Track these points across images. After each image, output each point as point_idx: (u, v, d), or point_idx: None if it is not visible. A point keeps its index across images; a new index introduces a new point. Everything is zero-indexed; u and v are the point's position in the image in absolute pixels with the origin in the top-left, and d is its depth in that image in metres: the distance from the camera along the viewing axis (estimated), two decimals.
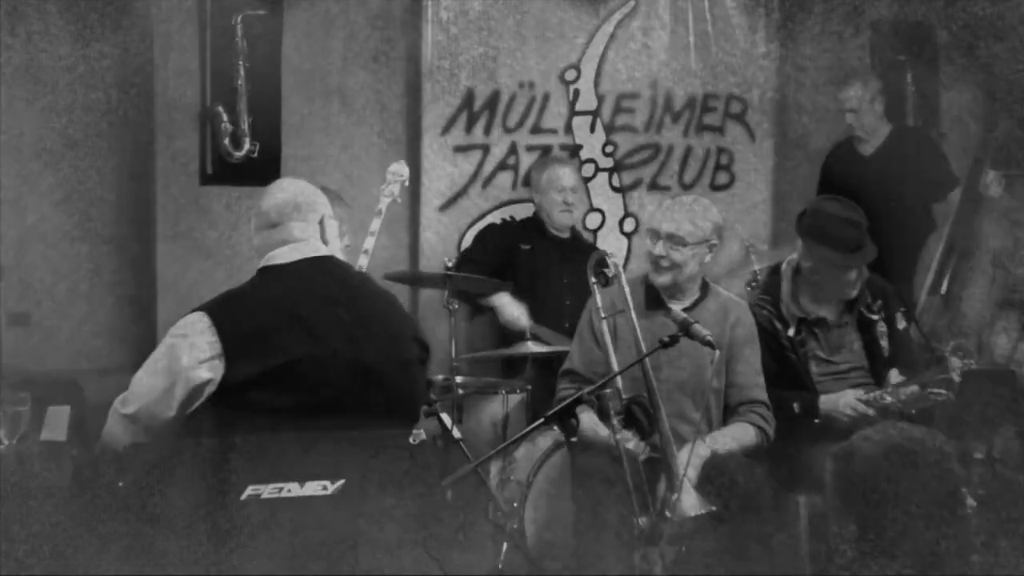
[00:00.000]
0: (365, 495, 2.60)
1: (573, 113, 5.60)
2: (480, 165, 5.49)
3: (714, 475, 3.63)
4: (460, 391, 4.61)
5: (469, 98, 5.44)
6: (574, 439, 3.79)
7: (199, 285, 4.90)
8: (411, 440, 2.88)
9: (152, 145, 5.11)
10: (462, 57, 5.40)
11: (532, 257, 5.22)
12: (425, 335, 3.03)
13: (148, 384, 2.72)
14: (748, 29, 5.67)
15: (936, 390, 3.85)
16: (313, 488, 2.57)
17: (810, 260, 4.07)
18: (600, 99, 5.63)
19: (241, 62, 5.08)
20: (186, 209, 5.15)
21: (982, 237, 5.48)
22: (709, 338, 3.28)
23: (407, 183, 4.33)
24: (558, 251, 5.25)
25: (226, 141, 5.09)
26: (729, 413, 3.92)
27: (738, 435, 3.83)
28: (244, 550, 2.48)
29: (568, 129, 5.61)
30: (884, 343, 4.13)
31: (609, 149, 5.67)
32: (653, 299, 3.94)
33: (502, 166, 5.52)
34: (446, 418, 4.08)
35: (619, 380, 3.55)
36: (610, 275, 3.88)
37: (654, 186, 5.71)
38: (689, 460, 3.49)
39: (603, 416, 3.60)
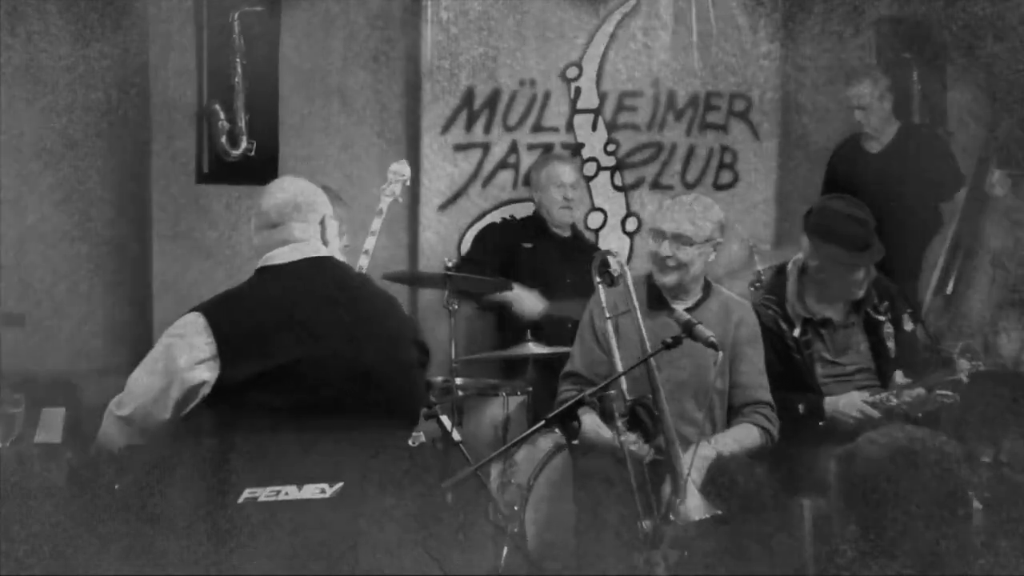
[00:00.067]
0: (365, 495, 2.59)
1: (575, 111, 5.58)
2: (480, 164, 5.47)
3: (715, 475, 3.61)
4: (460, 393, 4.57)
5: (469, 96, 5.42)
6: (575, 441, 3.78)
7: (199, 285, 4.89)
8: (410, 443, 2.88)
9: (151, 145, 5.11)
10: (462, 57, 5.39)
11: (534, 256, 5.20)
12: (425, 338, 3.01)
13: (144, 385, 2.71)
14: (749, 29, 5.66)
15: (943, 392, 3.82)
16: (311, 491, 2.56)
17: (817, 259, 4.03)
18: (602, 97, 5.60)
19: (238, 59, 5.04)
20: (186, 209, 5.15)
21: (985, 237, 5.46)
22: (712, 339, 3.25)
23: (408, 183, 4.31)
24: (559, 250, 5.23)
25: (223, 139, 5.06)
26: (733, 414, 3.90)
27: (742, 436, 3.81)
28: (244, 550, 2.48)
29: (569, 127, 5.59)
30: (891, 344, 4.09)
31: (611, 148, 5.64)
32: (655, 299, 3.91)
33: (503, 165, 5.50)
34: (446, 420, 4.06)
35: (623, 381, 3.53)
36: (615, 275, 3.85)
37: (656, 185, 5.68)
38: (692, 462, 3.45)
39: (607, 418, 3.57)
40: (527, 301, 5.01)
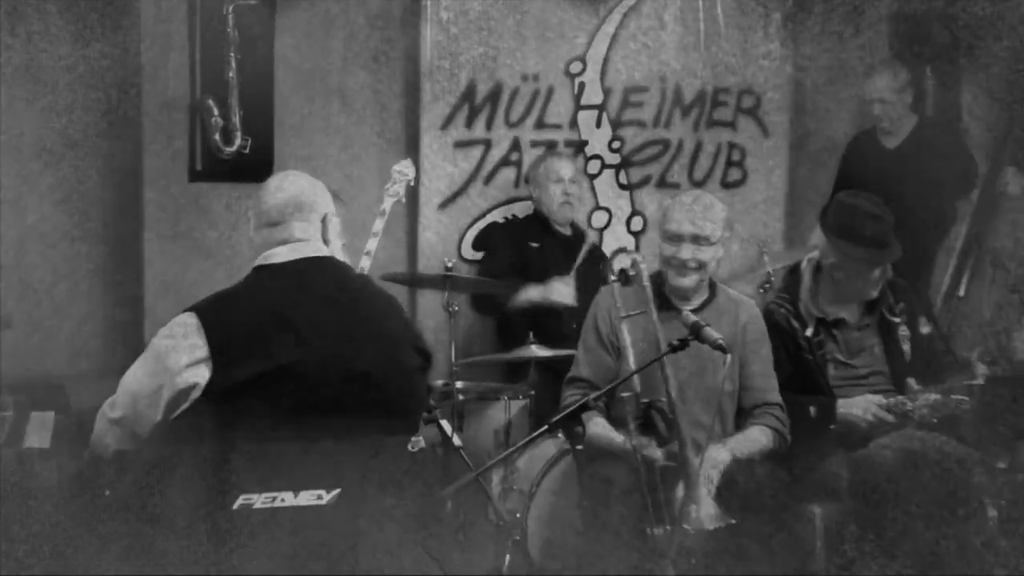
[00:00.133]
0: (365, 495, 2.59)
1: (578, 107, 5.54)
2: (481, 161, 5.45)
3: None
4: (460, 397, 4.50)
5: (470, 92, 5.40)
6: (579, 446, 3.75)
7: (199, 285, 4.89)
8: (410, 448, 2.83)
9: (152, 145, 5.11)
10: (462, 57, 5.39)
11: (542, 255, 5.16)
12: (426, 342, 2.95)
13: (135, 387, 2.67)
14: (749, 29, 5.64)
15: (960, 397, 3.72)
16: (307, 498, 2.54)
17: (833, 256, 3.95)
18: (607, 92, 5.56)
19: (232, 53, 4.98)
20: (186, 209, 5.15)
21: (986, 236, 5.41)
22: (720, 342, 3.17)
23: (413, 182, 4.28)
24: (563, 250, 5.19)
25: (216, 136, 5.00)
26: (744, 416, 3.81)
27: (756, 439, 3.72)
28: (244, 550, 2.47)
29: (573, 124, 5.55)
30: (906, 347, 4.00)
31: (616, 145, 5.59)
32: (660, 300, 3.80)
33: (505, 162, 5.47)
34: (446, 425, 4.06)
35: (637, 383, 3.47)
36: (631, 274, 3.78)
37: (663, 183, 5.63)
38: (703, 467, 3.38)
39: (619, 420, 3.52)
40: (563, 290, 4.94)
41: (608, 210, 5.63)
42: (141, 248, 5.16)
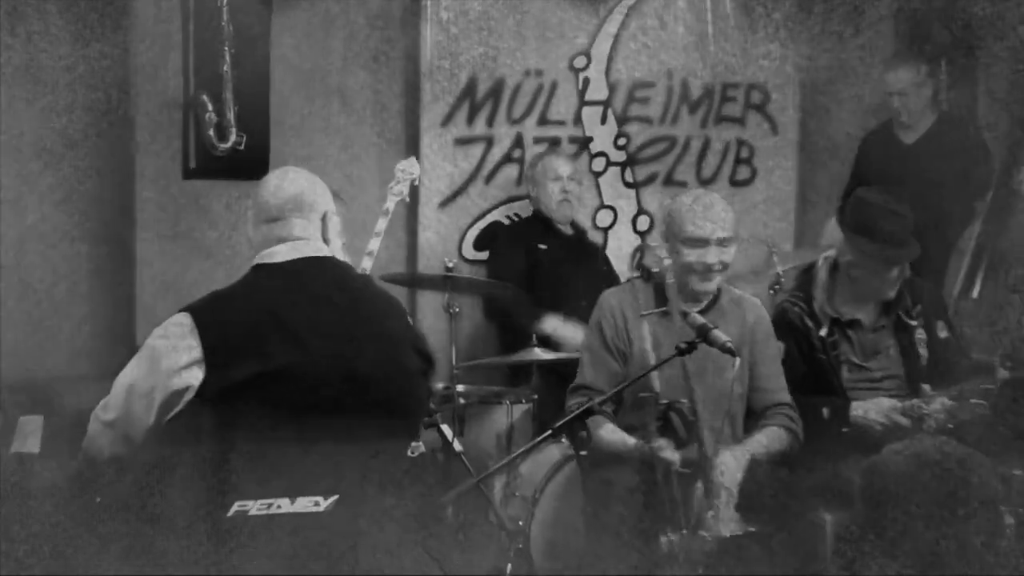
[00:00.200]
0: (365, 495, 2.58)
1: (583, 103, 5.49)
2: (482, 160, 5.42)
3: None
4: (461, 400, 4.45)
5: (471, 88, 5.38)
6: (584, 452, 3.69)
7: (199, 285, 4.88)
8: (409, 453, 2.81)
9: (152, 145, 5.11)
10: (462, 57, 5.38)
11: (549, 257, 5.11)
12: (428, 345, 2.90)
13: (128, 388, 2.62)
14: (749, 29, 5.61)
15: (978, 401, 3.63)
16: (304, 504, 2.52)
17: (850, 254, 3.88)
18: (612, 88, 5.52)
19: (227, 47, 4.87)
20: (186, 209, 5.15)
21: (986, 235, 5.34)
22: (729, 345, 3.10)
23: (417, 182, 4.24)
24: (566, 250, 5.17)
25: (211, 132, 4.88)
26: (755, 418, 3.71)
27: (771, 439, 3.63)
28: (244, 550, 2.47)
29: (577, 120, 5.51)
30: (923, 351, 3.91)
31: (621, 142, 5.54)
32: (664, 301, 3.67)
33: (507, 160, 5.44)
34: (447, 429, 4.01)
35: (656, 384, 3.41)
36: (653, 271, 3.69)
37: (669, 181, 5.57)
38: (724, 472, 3.31)
39: (631, 426, 3.44)
40: (568, 333, 4.77)
41: (613, 209, 5.59)
42: (137, 247, 5.15)
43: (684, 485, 3.33)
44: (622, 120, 5.54)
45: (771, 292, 4.69)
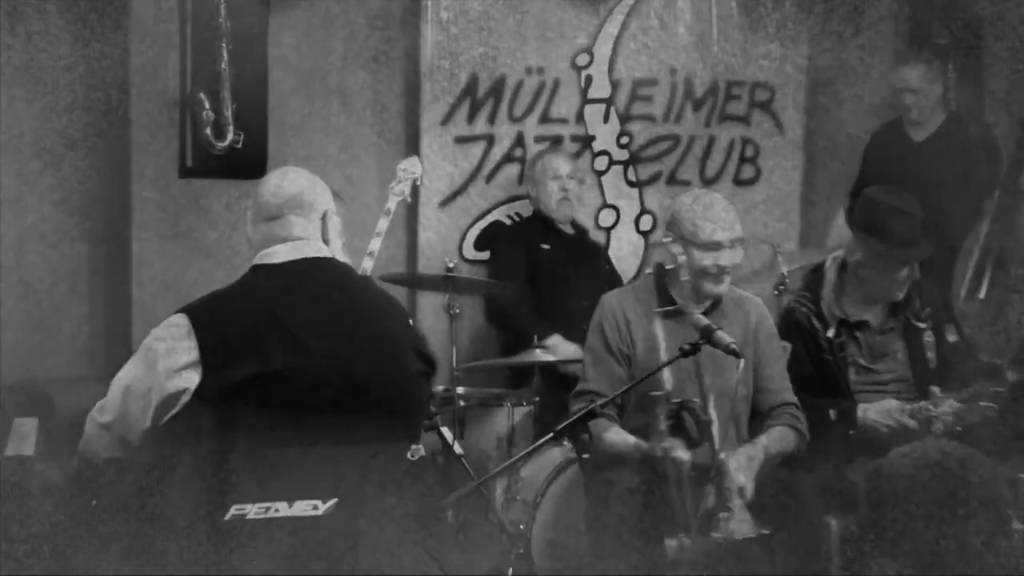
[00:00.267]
0: (365, 495, 2.58)
1: (585, 101, 5.47)
2: (483, 159, 5.41)
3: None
4: (462, 403, 4.42)
5: (472, 86, 5.36)
6: (586, 455, 3.66)
7: (199, 285, 4.88)
8: (409, 456, 2.79)
9: (152, 145, 5.11)
10: (462, 57, 5.38)
11: (551, 257, 5.10)
12: (429, 347, 2.88)
13: (125, 390, 2.60)
14: (748, 29, 5.60)
15: (987, 404, 3.59)
16: (303, 508, 2.50)
17: (859, 254, 3.85)
18: (614, 86, 5.49)
19: (224, 44, 4.85)
20: (186, 209, 5.14)
21: (987, 235, 5.31)
22: (733, 346, 3.07)
23: (420, 182, 4.22)
24: (567, 250, 5.15)
25: (208, 130, 4.86)
26: (760, 418, 3.66)
27: (779, 439, 3.58)
28: (244, 550, 2.46)
29: (580, 118, 5.48)
30: (931, 355, 3.87)
31: (624, 140, 5.52)
32: (667, 301, 3.67)
33: (508, 158, 5.42)
34: (447, 432, 4.00)
35: (668, 383, 3.38)
36: (668, 267, 3.67)
37: (673, 180, 5.54)
38: (736, 474, 3.26)
39: (638, 429, 3.40)
40: (569, 353, 4.70)
41: (616, 208, 5.57)
42: (133, 247, 5.14)
43: (693, 487, 3.27)
44: (625, 118, 5.51)
45: (776, 293, 4.66)
